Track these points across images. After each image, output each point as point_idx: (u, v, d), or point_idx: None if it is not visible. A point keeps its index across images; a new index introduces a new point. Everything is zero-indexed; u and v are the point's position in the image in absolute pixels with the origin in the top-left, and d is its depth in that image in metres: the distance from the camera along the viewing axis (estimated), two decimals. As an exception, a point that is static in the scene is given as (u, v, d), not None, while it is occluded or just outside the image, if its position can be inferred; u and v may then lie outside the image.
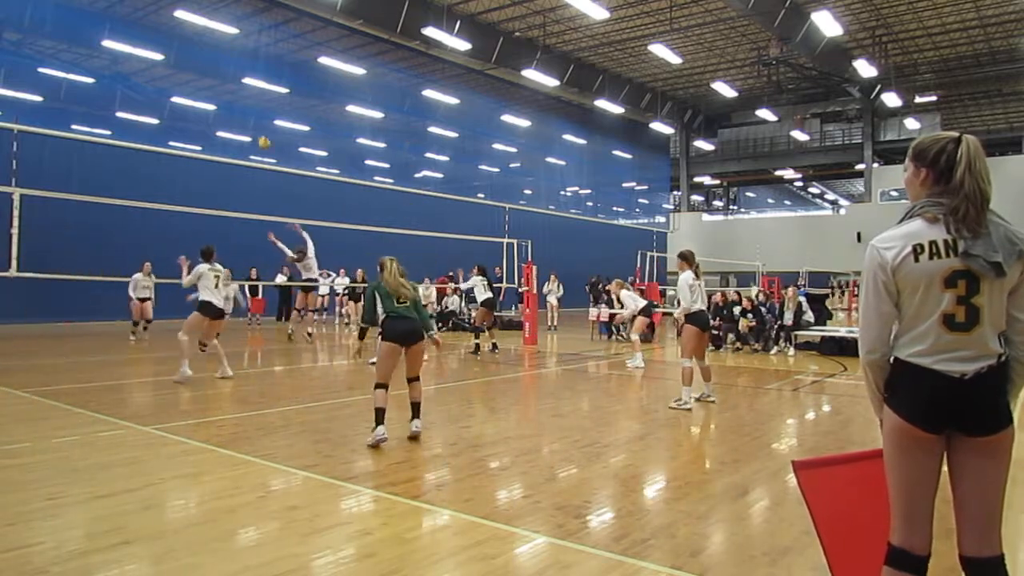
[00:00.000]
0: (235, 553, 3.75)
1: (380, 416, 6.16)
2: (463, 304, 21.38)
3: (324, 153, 36.00)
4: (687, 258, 8.43)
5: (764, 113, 34.86)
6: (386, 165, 37.63)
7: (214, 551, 3.72)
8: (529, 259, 17.45)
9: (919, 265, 2.28)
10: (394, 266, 6.70)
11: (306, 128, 33.30)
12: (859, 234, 32.99)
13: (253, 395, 8.86)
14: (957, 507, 2.34)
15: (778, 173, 43.10)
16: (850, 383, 10.65)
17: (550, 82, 28.70)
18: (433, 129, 34.16)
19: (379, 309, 6.55)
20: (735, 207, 49.49)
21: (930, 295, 2.29)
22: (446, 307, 21.05)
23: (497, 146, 38.27)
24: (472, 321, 16.07)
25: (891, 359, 2.41)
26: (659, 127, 36.07)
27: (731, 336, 15.60)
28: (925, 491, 2.34)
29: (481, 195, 36.80)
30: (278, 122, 31.98)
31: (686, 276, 8.29)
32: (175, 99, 29.50)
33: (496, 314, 22.11)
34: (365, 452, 6.08)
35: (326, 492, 4.79)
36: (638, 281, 21.54)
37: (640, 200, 44.94)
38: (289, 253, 14.34)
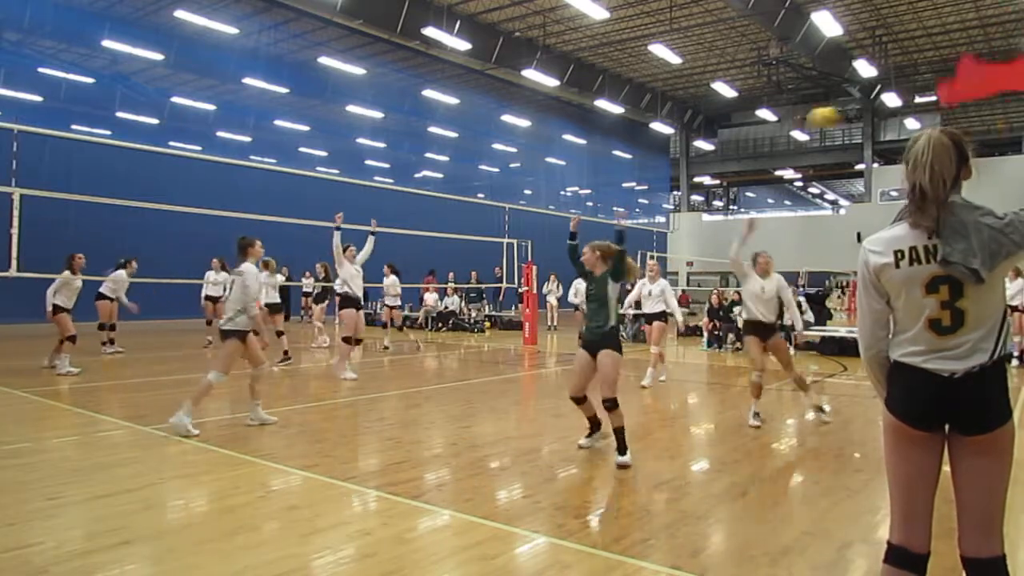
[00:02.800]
0: (235, 553, 3.74)
1: (591, 424, 6.07)
2: (463, 304, 21.39)
3: (324, 153, 35.96)
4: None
5: (764, 113, 34.83)
6: (386, 165, 37.58)
7: (214, 551, 3.72)
8: (529, 259, 17.45)
9: (899, 271, 2.29)
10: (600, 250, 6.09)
11: (306, 128, 33.24)
12: (859, 234, 32.93)
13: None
14: (958, 506, 2.34)
15: (778, 173, 43.09)
16: (850, 383, 10.66)
17: (550, 82, 28.68)
18: (433, 129, 34.11)
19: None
20: (735, 207, 49.46)
21: (913, 300, 2.29)
22: (446, 307, 21.05)
23: (497, 146, 38.24)
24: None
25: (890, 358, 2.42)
26: (659, 127, 36.06)
27: (731, 336, 15.59)
28: (923, 489, 2.34)
29: (481, 195, 36.76)
30: (278, 122, 31.95)
31: (784, 282, 7.29)
32: (175, 99, 29.45)
33: (496, 314, 22.27)
34: (365, 452, 6.08)
35: (326, 492, 4.79)
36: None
37: (640, 200, 44.89)
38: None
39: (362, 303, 10.50)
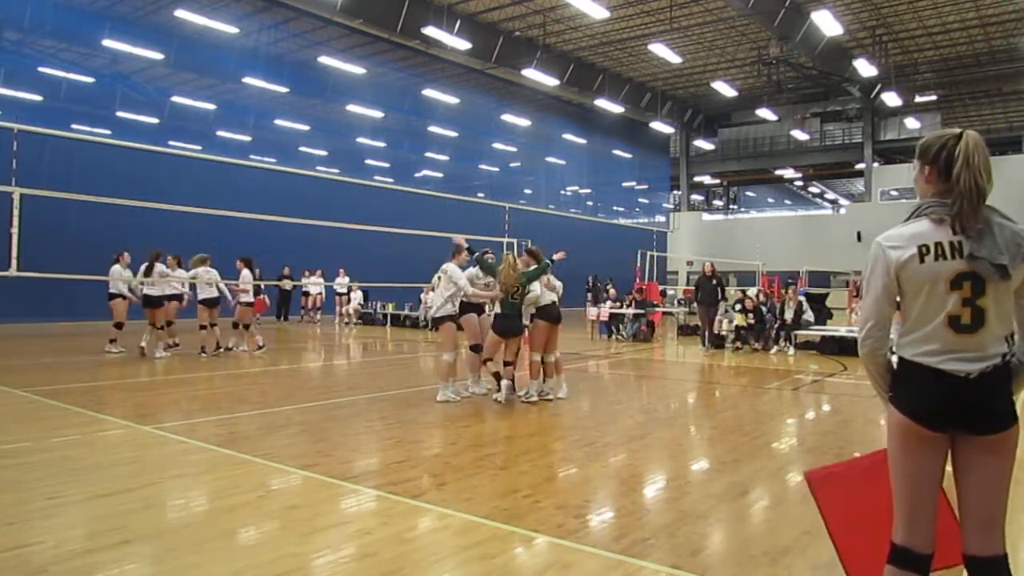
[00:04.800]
0: (235, 552, 3.75)
1: (496, 379, 8.34)
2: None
3: (324, 153, 35.97)
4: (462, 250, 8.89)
5: (764, 112, 34.86)
6: (386, 164, 37.60)
7: (214, 550, 3.72)
8: (529, 258, 17.40)
9: (924, 266, 2.28)
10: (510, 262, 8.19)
11: (306, 128, 33.27)
12: (859, 233, 33.00)
13: (253, 394, 8.86)
14: (961, 506, 2.35)
15: (778, 172, 43.12)
16: (850, 382, 10.66)
17: (550, 81, 28.72)
18: (433, 128, 34.15)
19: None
20: (735, 207, 49.51)
21: (935, 296, 2.28)
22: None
23: (497, 145, 38.27)
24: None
25: (896, 357, 2.41)
26: (659, 126, 36.08)
27: (724, 323, 15.45)
28: (928, 489, 2.34)
29: (481, 195, 36.77)
30: (278, 121, 31.96)
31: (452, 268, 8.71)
32: (175, 99, 29.48)
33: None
34: (365, 451, 6.08)
35: (326, 491, 4.79)
36: (638, 281, 21.55)
37: (640, 200, 44.93)
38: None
39: (483, 310, 9.33)
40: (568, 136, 37.76)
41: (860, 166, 37.22)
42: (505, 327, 8.30)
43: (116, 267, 12.39)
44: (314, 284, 21.80)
